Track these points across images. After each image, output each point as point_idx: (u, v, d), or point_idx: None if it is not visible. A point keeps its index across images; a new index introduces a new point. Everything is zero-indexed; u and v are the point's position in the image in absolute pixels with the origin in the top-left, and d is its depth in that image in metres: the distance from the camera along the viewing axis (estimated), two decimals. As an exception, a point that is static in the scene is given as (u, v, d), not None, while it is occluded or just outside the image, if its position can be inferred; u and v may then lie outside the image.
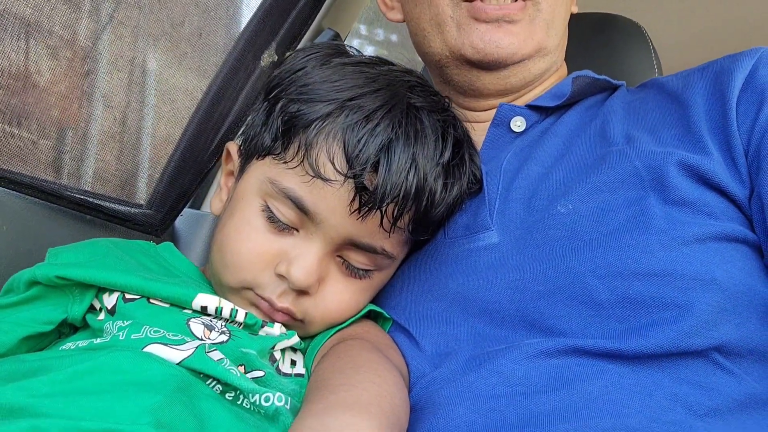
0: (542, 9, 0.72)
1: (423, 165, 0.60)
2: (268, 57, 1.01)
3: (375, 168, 0.58)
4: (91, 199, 0.84)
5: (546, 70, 0.77)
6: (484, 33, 0.70)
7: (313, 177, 0.59)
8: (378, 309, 0.69)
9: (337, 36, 1.17)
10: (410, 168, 0.59)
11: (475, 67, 0.73)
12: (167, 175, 0.99)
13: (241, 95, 1.01)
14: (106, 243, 0.69)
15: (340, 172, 0.58)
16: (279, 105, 0.63)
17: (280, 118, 0.63)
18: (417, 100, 0.64)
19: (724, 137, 0.59)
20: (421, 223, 0.64)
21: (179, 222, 1.03)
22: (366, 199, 0.59)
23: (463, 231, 0.67)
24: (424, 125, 0.62)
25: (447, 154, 0.63)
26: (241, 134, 0.71)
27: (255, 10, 1.01)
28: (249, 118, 0.71)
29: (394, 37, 2.34)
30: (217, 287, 0.66)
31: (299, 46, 1.09)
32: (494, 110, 0.76)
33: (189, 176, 0.98)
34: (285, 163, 0.62)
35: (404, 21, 0.83)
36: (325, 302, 0.63)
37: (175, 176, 0.99)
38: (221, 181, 0.74)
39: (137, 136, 1.01)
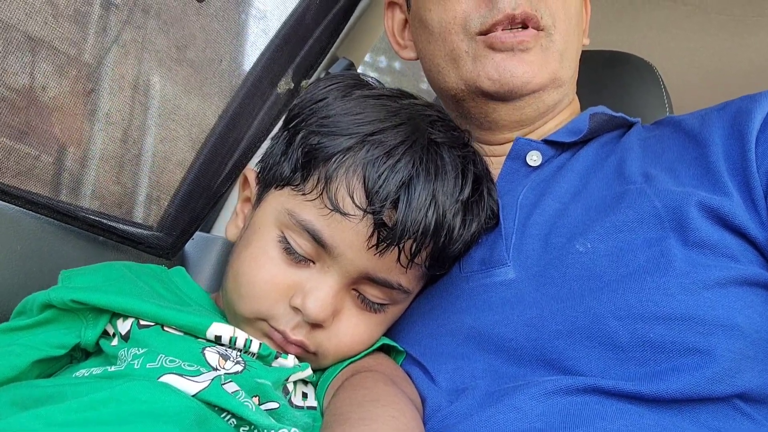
0: (555, 40, 0.73)
1: (443, 202, 0.60)
2: (284, 84, 1.02)
3: (394, 204, 0.59)
4: (104, 221, 0.84)
5: (559, 102, 0.77)
6: (499, 62, 0.71)
7: (332, 211, 0.59)
8: (391, 342, 0.68)
9: (351, 65, 1.18)
10: (430, 205, 0.59)
11: (491, 99, 0.74)
12: (179, 198, 0.99)
13: (256, 121, 1.02)
14: (120, 267, 0.69)
15: (359, 207, 0.59)
16: (299, 136, 0.64)
17: (301, 149, 0.63)
18: (438, 135, 0.64)
19: (743, 178, 0.60)
20: (438, 258, 0.64)
21: (189, 245, 1.03)
22: (385, 236, 0.59)
23: (479, 266, 0.67)
24: (444, 161, 0.62)
25: (467, 191, 0.63)
26: (259, 162, 0.71)
27: (272, 37, 1.03)
28: (268, 146, 0.71)
29: (397, 65, 2.36)
30: (230, 316, 0.66)
31: (315, 75, 1.10)
32: (510, 144, 0.77)
33: (201, 201, 0.98)
34: (303, 195, 0.62)
35: (417, 59, 0.84)
36: (339, 336, 0.63)
37: (187, 200, 0.99)
38: (237, 207, 0.74)
39: (149, 158, 1.02)
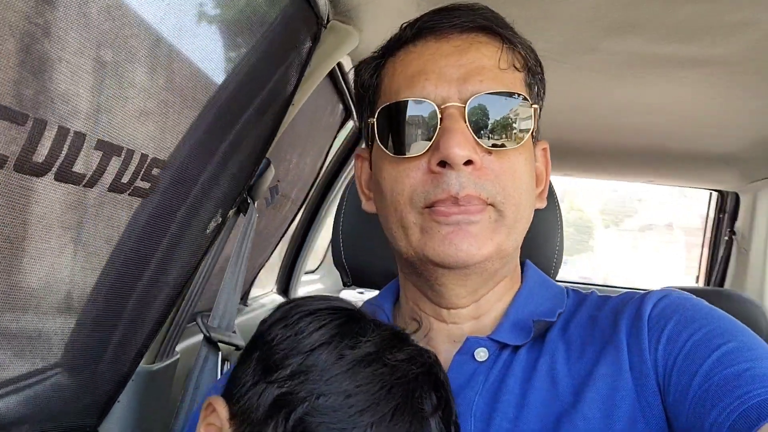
0: (506, 215, 0.76)
1: None
2: (213, 223, 0.98)
3: None
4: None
5: (500, 269, 0.81)
6: (445, 236, 0.74)
7: None
8: None
9: (269, 162, 1.15)
10: None
11: (439, 266, 0.77)
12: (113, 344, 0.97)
13: (180, 262, 0.98)
14: None
15: None
16: (292, 415, 0.62)
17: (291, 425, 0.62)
18: (426, 403, 0.66)
19: (647, 373, 0.72)
20: None
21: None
22: None
23: None
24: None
25: None
26: (227, 390, 0.71)
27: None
28: (237, 377, 0.70)
29: None
30: None
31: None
32: (456, 311, 0.82)
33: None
34: None
35: (376, 213, 0.85)
36: None
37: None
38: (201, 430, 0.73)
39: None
